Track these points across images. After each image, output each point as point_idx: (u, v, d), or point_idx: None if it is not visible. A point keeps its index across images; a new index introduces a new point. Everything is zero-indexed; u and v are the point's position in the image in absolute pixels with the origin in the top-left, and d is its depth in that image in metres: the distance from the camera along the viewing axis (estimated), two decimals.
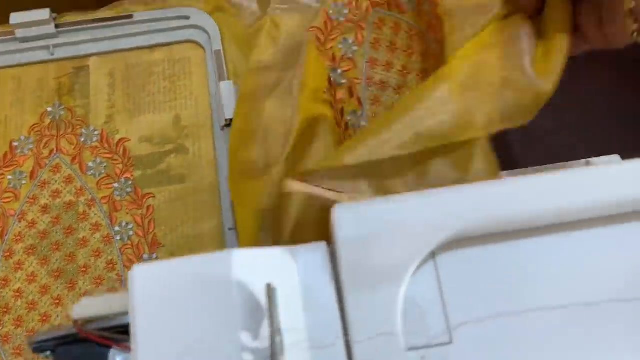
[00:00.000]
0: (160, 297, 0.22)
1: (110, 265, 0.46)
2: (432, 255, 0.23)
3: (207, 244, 0.46)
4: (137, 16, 0.51)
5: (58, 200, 0.48)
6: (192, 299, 0.22)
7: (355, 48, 0.47)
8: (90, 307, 0.26)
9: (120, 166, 0.48)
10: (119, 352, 0.26)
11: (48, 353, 0.27)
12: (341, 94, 0.46)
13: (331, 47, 0.47)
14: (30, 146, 0.49)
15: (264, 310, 0.22)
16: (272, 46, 0.50)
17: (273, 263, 0.23)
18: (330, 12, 0.49)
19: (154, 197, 0.47)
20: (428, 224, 0.22)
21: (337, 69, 0.47)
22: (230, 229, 0.46)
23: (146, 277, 0.22)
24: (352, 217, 0.23)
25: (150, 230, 0.47)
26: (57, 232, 0.47)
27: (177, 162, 0.48)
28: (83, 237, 0.47)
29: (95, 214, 0.47)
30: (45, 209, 0.47)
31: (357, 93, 0.46)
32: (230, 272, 0.22)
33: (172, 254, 0.46)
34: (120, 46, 0.51)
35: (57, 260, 0.46)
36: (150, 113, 0.50)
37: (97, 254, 0.46)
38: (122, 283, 0.46)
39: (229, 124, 0.48)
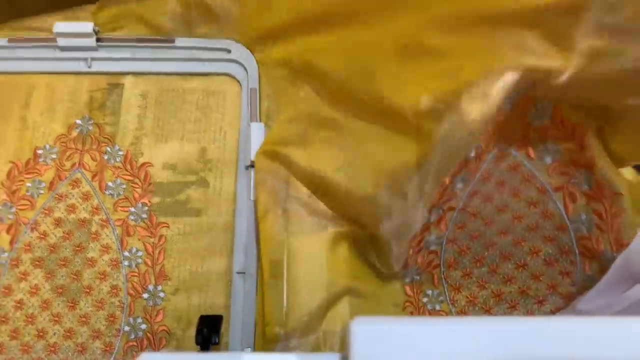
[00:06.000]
0: None
1: (114, 291, 0.45)
2: None
3: (213, 284, 0.46)
4: (179, 42, 0.51)
5: (73, 215, 0.47)
6: None
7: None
8: None
9: (140, 190, 0.48)
10: None
11: None
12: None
13: None
14: (54, 156, 0.49)
15: None
16: None
17: None
18: None
19: (168, 227, 0.47)
20: (445, 354, 0.22)
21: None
22: (238, 273, 0.46)
23: None
24: (370, 333, 0.22)
25: (160, 261, 0.46)
26: (66, 248, 0.46)
27: (197, 195, 0.48)
28: (92, 257, 0.46)
29: (107, 236, 0.47)
30: (58, 222, 0.47)
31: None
32: None
33: (177, 289, 0.46)
34: (157, 69, 0.51)
35: (62, 276, 0.46)
36: (177, 141, 0.49)
37: (103, 276, 0.46)
38: (122, 311, 0.45)
39: (253, 165, 0.48)
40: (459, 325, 0.23)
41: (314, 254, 0.43)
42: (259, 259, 0.46)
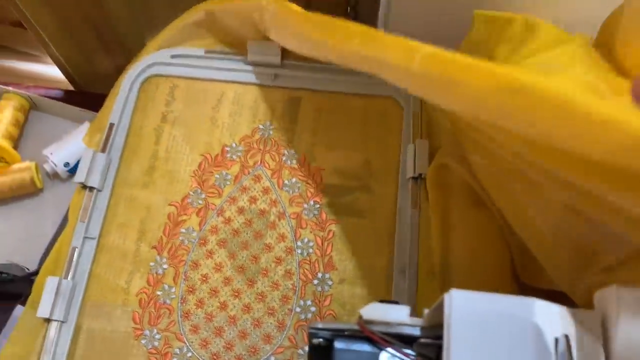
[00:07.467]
0: (471, 321, 0.27)
1: (288, 275, 0.51)
2: None
3: (375, 278, 0.52)
4: None
5: (253, 205, 0.54)
6: (496, 331, 0.27)
7: None
8: (376, 311, 0.31)
9: (312, 190, 0.55)
10: (392, 356, 0.31)
11: (320, 340, 0.33)
12: None
13: None
14: (239, 154, 0.56)
15: (551, 358, 0.27)
16: None
17: (557, 318, 0.28)
18: None
19: (336, 224, 0.53)
20: None
21: None
22: (399, 272, 0.51)
23: (462, 301, 0.27)
24: (636, 299, 0.27)
25: (328, 252, 0.52)
26: (247, 233, 0.53)
27: (362, 199, 0.54)
28: (269, 243, 0.53)
29: (283, 226, 0.53)
30: (241, 210, 0.54)
31: None
32: (532, 318, 0.27)
33: (342, 279, 0.51)
34: (331, 88, 0.58)
35: (243, 257, 0.52)
36: (345, 150, 0.56)
37: (278, 261, 0.52)
38: (294, 293, 0.51)
39: (416, 177, 0.54)
40: None
41: (481, 261, 0.48)
42: (418, 261, 0.52)
